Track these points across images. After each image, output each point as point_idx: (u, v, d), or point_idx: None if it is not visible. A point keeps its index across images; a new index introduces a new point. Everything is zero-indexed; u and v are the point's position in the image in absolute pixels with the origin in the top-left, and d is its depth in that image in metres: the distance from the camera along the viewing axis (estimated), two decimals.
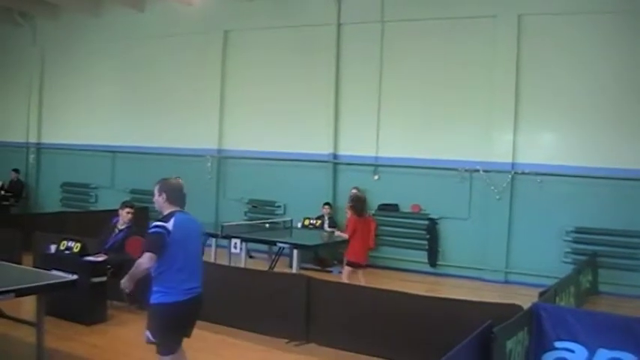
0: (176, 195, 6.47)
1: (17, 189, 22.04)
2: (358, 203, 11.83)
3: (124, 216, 11.11)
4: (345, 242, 13.77)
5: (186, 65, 19.56)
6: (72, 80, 22.13)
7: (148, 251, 6.13)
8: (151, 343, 6.24)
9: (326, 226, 15.65)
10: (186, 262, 6.32)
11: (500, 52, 15.03)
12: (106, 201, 19.96)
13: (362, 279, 11.50)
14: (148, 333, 6.18)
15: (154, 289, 6.30)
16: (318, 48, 17.45)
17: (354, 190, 15.79)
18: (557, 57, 14.60)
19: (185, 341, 9.08)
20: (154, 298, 6.29)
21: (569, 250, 14.30)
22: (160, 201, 6.43)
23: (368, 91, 16.65)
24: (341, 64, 17.15)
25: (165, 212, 6.33)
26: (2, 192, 21.17)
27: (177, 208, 6.39)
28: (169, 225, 6.15)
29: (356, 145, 16.85)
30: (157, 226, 6.17)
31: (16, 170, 22.27)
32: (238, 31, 18.86)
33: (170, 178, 6.74)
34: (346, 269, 11.70)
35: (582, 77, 14.35)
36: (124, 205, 11.36)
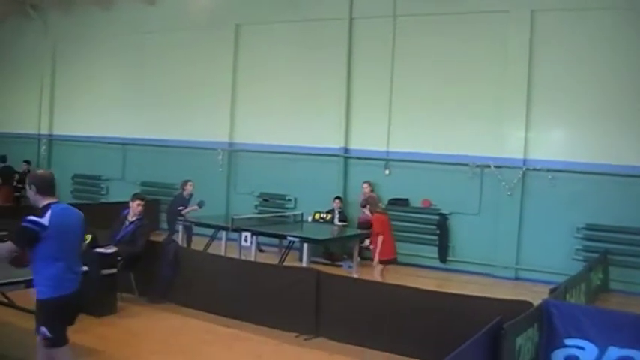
0: (46, 186, 6.20)
1: None
2: (373, 201, 11.82)
3: (135, 208, 11.13)
4: (355, 237, 13.88)
5: (198, 58, 19.56)
6: (83, 73, 22.20)
7: (12, 241, 5.91)
8: (47, 338, 6.10)
9: (336, 220, 15.66)
10: (66, 253, 6.12)
11: (513, 48, 14.95)
12: (116, 193, 20.02)
13: (386, 275, 11.48)
14: (43, 329, 5.97)
15: (38, 285, 6.10)
16: (329, 42, 17.42)
17: (365, 187, 15.80)
18: (570, 53, 14.51)
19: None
20: (42, 294, 6.04)
21: (579, 247, 14.25)
22: (31, 195, 6.18)
23: (379, 85, 16.61)
24: (353, 58, 17.11)
25: (41, 205, 6.08)
26: (15, 183, 21.24)
27: (52, 200, 6.14)
28: (44, 220, 5.92)
29: (367, 139, 16.81)
30: (29, 222, 5.91)
31: (27, 162, 22.30)
32: (250, 24, 18.85)
33: (39, 169, 6.56)
34: (378, 267, 11.58)
35: (595, 73, 14.26)
36: (135, 197, 11.38)
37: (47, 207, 6.03)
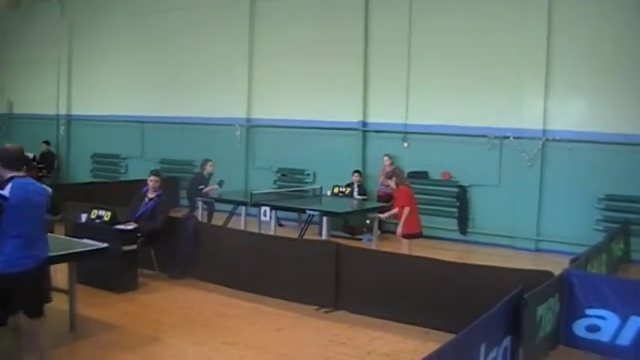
0: (11, 159, 6.17)
1: (48, 161, 22.22)
2: (401, 175, 11.69)
3: (150, 184, 11.17)
4: (375, 210, 13.85)
5: (214, 35, 19.49)
6: (100, 52, 22.18)
7: None
8: None
9: (355, 193, 15.65)
10: (25, 229, 6.05)
11: (531, 17, 14.75)
12: (135, 171, 20.07)
13: (410, 249, 11.27)
14: None
15: None
16: (346, 15, 17.29)
17: (386, 160, 15.75)
18: (590, 20, 14.28)
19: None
20: None
21: (600, 217, 14.15)
22: None
23: (397, 58, 16.47)
24: (369, 31, 16.99)
25: (5, 178, 6.05)
26: (35, 163, 21.35)
27: (16, 173, 6.11)
28: (5, 192, 5.90)
29: (385, 112, 16.71)
30: None
31: (46, 142, 22.43)
32: (265, 0, 18.76)
33: (8, 145, 6.51)
34: (405, 242, 11.27)
35: (615, 41, 14.03)
36: (150, 173, 11.43)
37: (10, 179, 6.02)
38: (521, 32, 14.87)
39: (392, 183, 11.54)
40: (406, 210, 11.09)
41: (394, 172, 11.73)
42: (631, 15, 13.92)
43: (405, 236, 11.21)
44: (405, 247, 11.16)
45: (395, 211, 11.52)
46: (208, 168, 15.22)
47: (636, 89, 13.84)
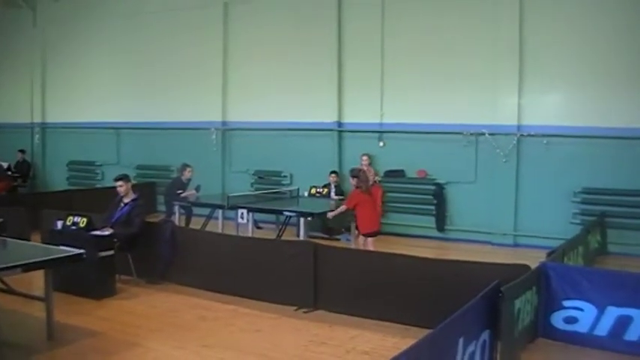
0: None
1: (24, 169, 22.13)
2: (364, 178, 11.74)
3: (119, 190, 11.10)
4: (352, 210, 13.87)
5: (188, 39, 19.42)
6: (74, 59, 22.09)
7: None
8: None
9: (333, 194, 15.65)
10: None
11: (503, 13, 14.82)
12: (112, 178, 19.55)
13: (371, 246, 11.45)
14: None
15: None
16: (319, 16, 17.29)
17: (364, 160, 15.80)
18: (561, 15, 14.38)
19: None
20: None
21: (577, 211, 14.24)
22: None
23: (371, 58, 16.52)
24: (342, 30, 17.03)
25: None
26: (10, 172, 21.22)
27: None
28: None
29: (360, 112, 16.76)
30: None
31: (22, 151, 22.34)
32: (238, 3, 18.71)
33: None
34: (360, 238, 11.82)
35: (587, 36, 14.13)
36: (115, 180, 11.34)
37: None
38: (493, 29, 14.96)
39: (353, 182, 11.69)
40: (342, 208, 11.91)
41: (358, 174, 11.83)
42: (603, 9, 14.02)
43: (364, 235, 11.56)
44: (369, 246, 11.42)
45: (342, 209, 11.98)
46: (187, 174, 15.17)
47: (610, 82, 13.94)
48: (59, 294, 8.49)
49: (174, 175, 16.14)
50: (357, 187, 11.55)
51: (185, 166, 15.29)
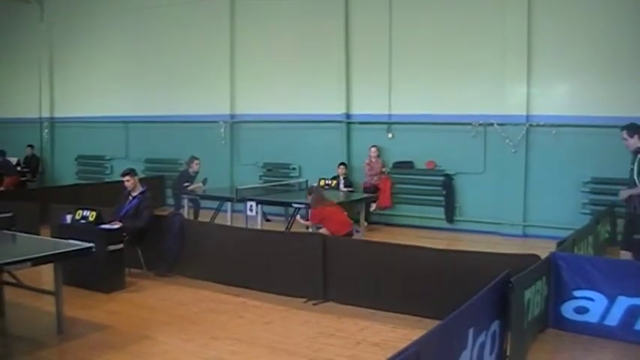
0: None
1: (33, 164, 22.19)
2: (316, 197, 11.66)
3: (126, 184, 11.12)
4: (361, 201, 13.98)
5: (195, 32, 19.41)
6: (81, 54, 22.13)
7: None
8: None
9: (341, 186, 15.64)
10: None
11: (511, 2, 14.72)
12: (121, 172, 19.95)
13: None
14: None
15: None
16: (327, 7, 17.22)
17: (373, 152, 15.83)
18: (569, 4, 14.29)
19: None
20: None
21: (586, 201, 14.17)
22: None
23: (378, 49, 16.46)
24: (350, 22, 16.97)
25: None
26: (19, 167, 21.29)
27: None
28: None
29: (368, 104, 16.71)
30: None
31: (30, 146, 22.40)
32: None
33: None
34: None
35: (597, 24, 13.99)
36: (121, 175, 11.38)
37: None
38: (501, 19, 14.85)
39: (308, 199, 11.88)
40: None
41: (311, 190, 12.10)
42: None
43: None
44: None
45: (308, 224, 12.16)
46: (194, 166, 15.19)
47: (618, 72, 13.83)
48: (68, 288, 8.50)
49: (183, 168, 16.13)
50: (313, 209, 11.52)
51: (193, 158, 15.30)
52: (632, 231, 9.09)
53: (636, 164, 8.96)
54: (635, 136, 9.10)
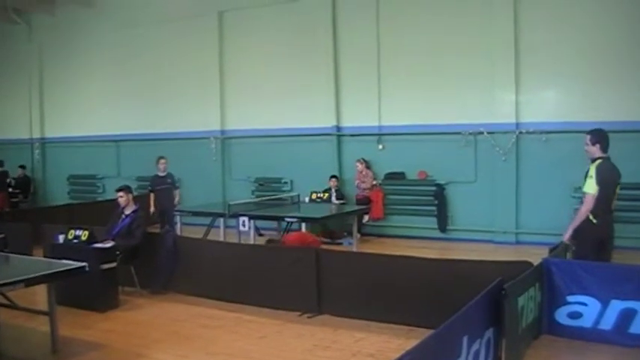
0: None
1: (25, 185, 22.15)
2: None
3: (119, 200, 11.13)
4: (353, 213, 14.00)
5: (184, 49, 19.47)
6: (71, 73, 22.15)
7: None
8: None
9: (333, 198, 15.68)
10: None
11: (498, 11, 14.81)
12: (113, 190, 19.61)
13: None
14: None
15: None
16: (314, 21, 17.31)
17: (359, 165, 15.86)
18: (556, 11, 14.36)
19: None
20: None
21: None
22: None
23: (367, 61, 16.52)
24: (338, 35, 17.03)
25: None
26: (10, 189, 21.27)
27: None
28: None
29: (358, 116, 16.75)
30: None
31: (22, 166, 22.37)
32: (232, 10, 18.72)
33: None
34: None
35: (583, 29, 14.08)
36: (116, 190, 11.40)
37: None
38: (488, 27, 14.93)
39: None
40: None
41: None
42: (598, 4, 14.01)
43: None
44: None
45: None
46: (161, 166, 15.17)
47: (608, 76, 13.89)
48: (63, 308, 8.49)
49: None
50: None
51: (159, 158, 15.24)
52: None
53: (587, 174, 8.87)
54: (597, 145, 8.84)
